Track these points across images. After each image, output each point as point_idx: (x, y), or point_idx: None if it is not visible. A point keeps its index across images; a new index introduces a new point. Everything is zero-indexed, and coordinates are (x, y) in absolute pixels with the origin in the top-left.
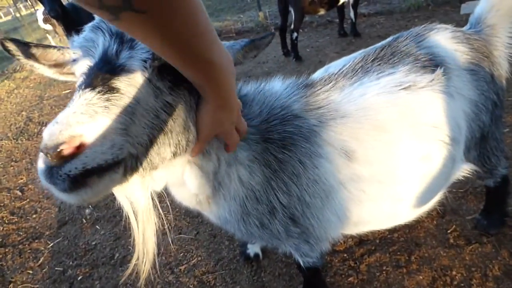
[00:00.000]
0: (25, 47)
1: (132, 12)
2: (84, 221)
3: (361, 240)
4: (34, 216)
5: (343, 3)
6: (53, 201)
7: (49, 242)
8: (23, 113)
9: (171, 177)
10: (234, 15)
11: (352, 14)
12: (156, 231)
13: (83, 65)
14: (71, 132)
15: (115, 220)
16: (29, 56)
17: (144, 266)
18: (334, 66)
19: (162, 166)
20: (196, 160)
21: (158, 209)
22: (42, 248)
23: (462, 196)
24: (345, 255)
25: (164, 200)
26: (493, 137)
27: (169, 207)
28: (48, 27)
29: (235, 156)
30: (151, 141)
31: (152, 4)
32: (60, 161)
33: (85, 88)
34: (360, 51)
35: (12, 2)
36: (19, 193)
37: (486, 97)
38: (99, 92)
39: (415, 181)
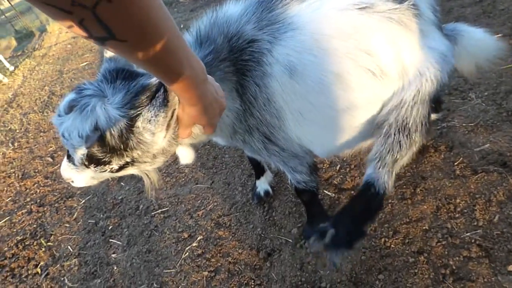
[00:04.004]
0: None
1: (115, 41)
2: (110, 179)
3: None
4: None
5: None
6: None
7: (81, 200)
8: (46, 87)
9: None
10: None
11: None
12: (157, 172)
13: None
14: (66, 178)
15: (137, 177)
16: None
17: (152, 189)
18: None
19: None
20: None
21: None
22: (75, 205)
23: (472, 130)
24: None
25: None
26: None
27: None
28: None
29: None
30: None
31: (131, 36)
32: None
33: (67, 155)
34: None
35: None
36: (50, 160)
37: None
38: (71, 161)
39: (343, 104)
